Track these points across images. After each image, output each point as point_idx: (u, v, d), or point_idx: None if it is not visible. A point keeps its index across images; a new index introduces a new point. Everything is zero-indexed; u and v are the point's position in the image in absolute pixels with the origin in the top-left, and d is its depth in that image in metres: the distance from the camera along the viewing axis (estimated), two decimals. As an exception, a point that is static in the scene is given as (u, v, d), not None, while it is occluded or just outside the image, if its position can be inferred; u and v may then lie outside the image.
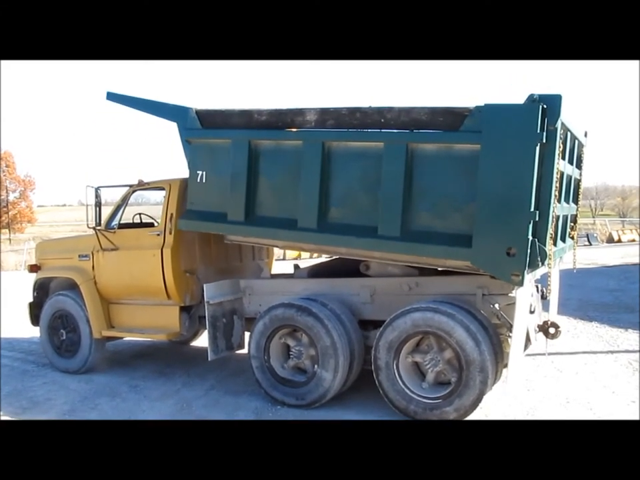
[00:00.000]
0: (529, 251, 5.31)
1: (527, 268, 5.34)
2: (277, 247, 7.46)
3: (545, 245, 5.36)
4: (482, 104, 5.47)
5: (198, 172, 7.00)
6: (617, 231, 39.74)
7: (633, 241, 37.50)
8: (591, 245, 35.49)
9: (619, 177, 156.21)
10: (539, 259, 5.33)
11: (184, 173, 7.26)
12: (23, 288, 14.50)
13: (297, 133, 6.51)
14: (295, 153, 6.41)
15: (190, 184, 7.11)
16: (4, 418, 6.53)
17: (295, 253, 29.06)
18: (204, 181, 6.98)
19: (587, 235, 37.65)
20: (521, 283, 5.42)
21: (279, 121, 6.59)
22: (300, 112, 6.45)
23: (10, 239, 57.31)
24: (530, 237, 5.30)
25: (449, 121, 5.64)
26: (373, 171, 5.97)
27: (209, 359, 7.08)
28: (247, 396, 6.95)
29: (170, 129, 7.16)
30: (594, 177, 77.11)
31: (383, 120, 5.99)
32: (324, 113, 6.31)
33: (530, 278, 5.78)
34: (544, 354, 8.12)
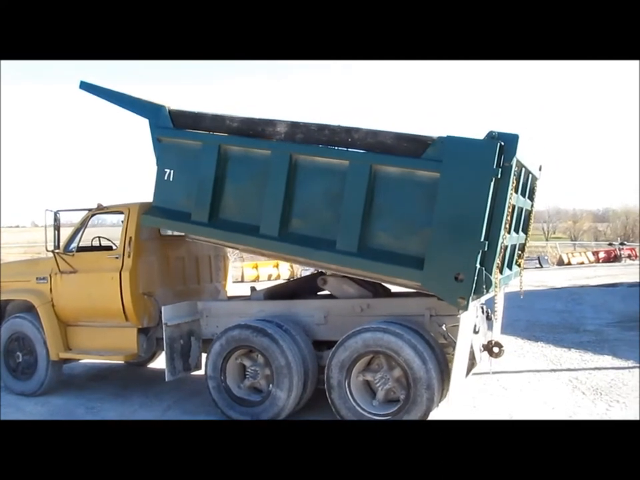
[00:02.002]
0: (475, 278, 5.57)
1: (472, 294, 5.62)
2: (237, 249, 7.57)
3: (491, 274, 5.65)
4: (444, 135, 5.73)
5: (166, 170, 7.11)
6: (567, 253, 40.97)
7: (582, 263, 38.76)
8: (542, 267, 36.56)
9: (570, 201, 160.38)
10: (484, 286, 5.62)
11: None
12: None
13: (266, 143, 6.63)
14: (262, 161, 6.56)
15: (157, 181, 7.19)
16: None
17: (253, 275, 29.25)
18: (171, 179, 7.09)
19: (538, 257, 38.81)
20: (465, 308, 5.70)
21: (250, 129, 6.74)
22: (271, 122, 6.62)
23: (-42, 261, 55.78)
24: (478, 265, 5.57)
25: (412, 147, 5.87)
26: (336, 187, 6.18)
27: (167, 380, 7.20)
28: (204, 416, 7.06)
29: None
30: (546, 200, 79.01)
31: (349, 139, 6.19)
32: (294, 126, 6.49)
33: (475, 302, 6.10)
34: (490, 373, 8.51)
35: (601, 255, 41.46)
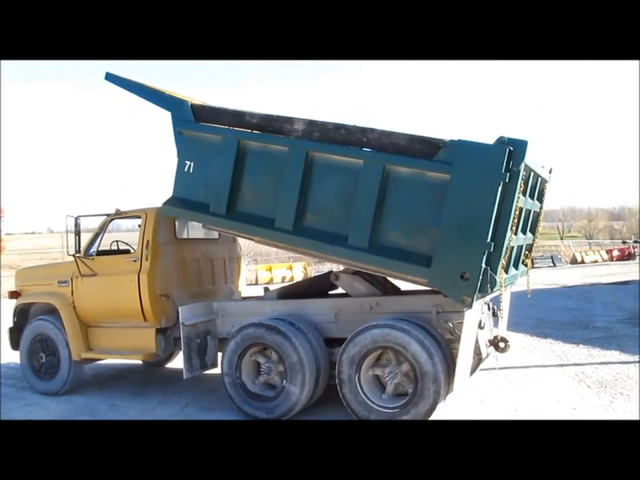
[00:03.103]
0: (480, 277, 5.76)
1: (477, 292, 5.81)
2: (252, 240, 7.77)
3: (496, 274, 5.84)
4: (456, 138, 5.92)
5: (186, 162, 7.33)
6: (580, 252, 40.89)
7: (595, 261, 38.71)
8: (555, 266, 36.57)
9: (585, 199, 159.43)
10: (488, 285, 5.80)
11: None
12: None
13: (284, 140, 6.81)
14: (280, 157, 6.75)
15: (177, 172, 7.41)
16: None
17: (267, 277, 29.58)
18: (191, 171, 7.30)
19: (552, 256, 38.80)
20: (470, 305, 5.90)
21: (269, 126, 6.94)
22: (289, 120, 6.81)
23: (-23, 268, 56.39)
24: (483, 265, 5.76)
25: (424, 149, 6.03)
26: (349, 185, 6.36)
27: (184, 377, 7.49)
28: (220, 411, 7.37)
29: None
30: (560, 199, 78.79)
31: (364, 139, 6.37)
32: (311, 124, 6.67)
33: (479, 300, 6.31)
34: (496, 368, 8.74)
35: (615, 253, 41.42)
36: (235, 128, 7.15)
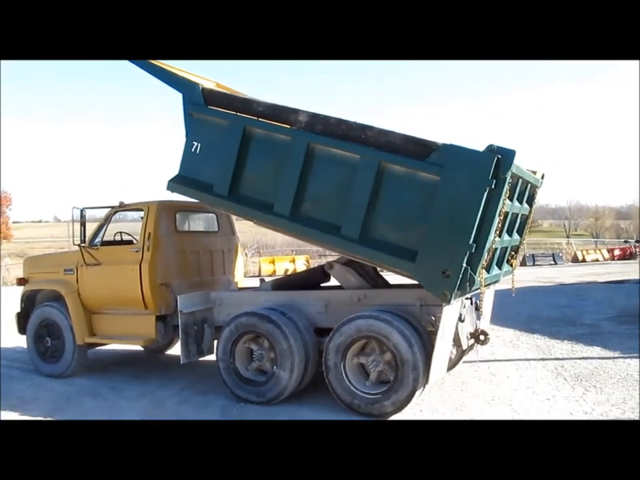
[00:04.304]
0: (460, 276, 6.09)
1: (456, 290, 6.15)
2: (252, 222, 8.12)
3: (475, 273, 6.20)
4: (449, 143, 6.22)
5: (194, 142, 7.62)
6: (582, 251, 41.09)
7: (596, 260, 38.94)
8: (556, 264, 36.83)
9: (592, 197, 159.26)
10: (467, 284, 6.15)
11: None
12: (3, 303, 15.25)
13: (288, 130, 7.06)
14: (282, 146, 7.04)
15: (184, 151, 7.71)
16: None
17: (270, 270, 30.01)
18: (197, 152, 7.60)
19: (553, 254, 39.04)
20: (448, 302, 6.28)
21: (274, 115, 7.21)
22: (294, 111, 7.07)
23: (-15, 256, 56.84)
24: (464, 265, 6.08)
25: (418, 150, 6.30)
26: (346, 178, 6.65)
27: (181, 363, 7.93)
28: (215, 395, 7.79)
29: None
30: (567, 196, 78.56)
31: (363, 136, 6.61)
32: (315, 117, 6.93)
33: (459, 297, 6.63)
34: (483, 361, 9.15)
35: (616, 252, 41.55)
36: (242, 114, 7.41)
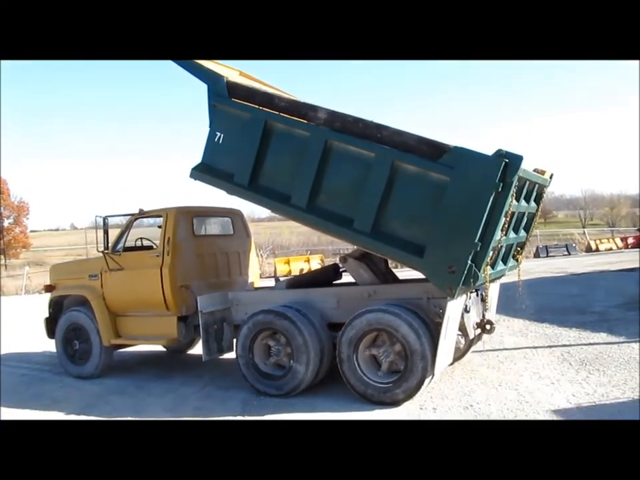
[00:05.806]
0: (465, 272, 6.45)
1: (460, 285, 6.51)
2: (270, 210, 8.47)
3: (480, 270, 6.54)
4: (460, 146, 6.46)
5: (217, 133, 7.95)
6: (595, 240, 41.07)
7: (610, 249, 38.95)
8: (569, 254, 36.91)
9: (608, 186, 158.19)
10: (472, 280, 6.51)
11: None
12: (25, 311, 15.77)
13: (307, 125, 7.34)
14: (301, 141, 7.36)
15: (208, 141, 8.04)
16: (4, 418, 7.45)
17: (285, 270, 30.41)
18: (220, 142, 7.93)
19: (566, 245, 39.07)
20: (452, 296, 6.66)
21: (295, 111, 7.51)
22: (314, 108, 7.36)
23: (5, 265, 57.74)
24: (469, 262, 6.44)
25: (430, 151, 6.60)
26: (360, 174, 6.99)
27: (203, 360, 8.39)
28: (236, 389, 8.21)
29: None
30: (581, 185, 77.85)
31: (379, 134, 6.91)
32: (333, 114, 7.22)
33: (464, 292, 7.01)
34: (492, 350, 9.51)
35: (630, 240, 41.47)
36: (263, 108, 7.69)
